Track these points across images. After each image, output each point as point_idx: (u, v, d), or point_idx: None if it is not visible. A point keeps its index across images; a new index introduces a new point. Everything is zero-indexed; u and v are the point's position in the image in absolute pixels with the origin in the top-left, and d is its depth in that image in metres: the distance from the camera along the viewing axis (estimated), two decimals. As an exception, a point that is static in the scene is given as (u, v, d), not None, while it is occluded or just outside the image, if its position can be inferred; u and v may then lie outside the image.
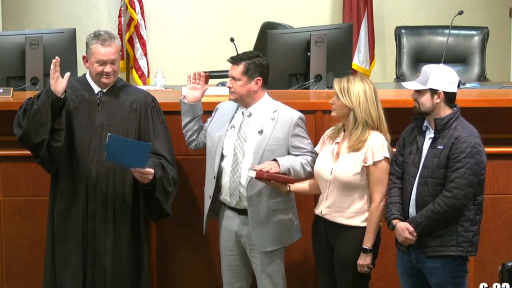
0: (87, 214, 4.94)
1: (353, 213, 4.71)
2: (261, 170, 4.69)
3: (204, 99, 5.12)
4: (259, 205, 4.83)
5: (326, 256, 4.81)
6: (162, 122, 5.06)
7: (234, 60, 4.86)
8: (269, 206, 4.84)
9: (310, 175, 4.87)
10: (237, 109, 4.92)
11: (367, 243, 4.67)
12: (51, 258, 5.02)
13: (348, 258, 4.71)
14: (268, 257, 4.90)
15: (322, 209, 4.77)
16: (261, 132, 4.83)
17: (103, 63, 4.91)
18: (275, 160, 4.77)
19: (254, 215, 4.85)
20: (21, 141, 4.95)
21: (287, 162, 4.78)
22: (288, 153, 4.84)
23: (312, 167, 4.83)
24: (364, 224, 4.70)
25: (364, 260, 4.68)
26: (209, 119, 5.03)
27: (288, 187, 4.81)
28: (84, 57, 5.00)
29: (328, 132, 4.86)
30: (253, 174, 4.70)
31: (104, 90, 4.98)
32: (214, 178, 4.89)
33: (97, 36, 4.93)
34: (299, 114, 4.88)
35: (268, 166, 4.73)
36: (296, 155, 4.83)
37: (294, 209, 4.95)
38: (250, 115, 4.88)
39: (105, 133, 4.88)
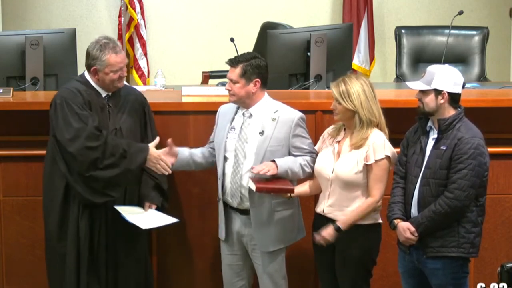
0: (107, 229, 4.93)
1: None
2: (260, 185, 4.66)
3: (204, 99, 5.13)
4: (261, 205, 4.83)
5: (327, 255, 4.81)
6: (153, 120, 5.08)
7: (232, 63, 4.85)
8: (271, 206, 4.84)
9: (309, 176, 4.87)
10: (238, 110, 4.92)
11: (343, 225, 4.65)
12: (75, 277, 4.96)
13: (350, 256, 4.71)
14: (270, 257, 4.90)
15: (324, 207, 4.77)
16: (262, 133, 4.83)
17: (119, 69, 4.85)
18: (273, 161, 4.77)
19: (256, 216, 4.85)
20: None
21: (286, 164, 4.78)
22: (289, 153, 4.84)
23: (312, 168, 4.83)
24: (366, 222, 4.70)
25: (327, 234, 4.67)
26: (214, 127, 5.02)
27: (289, 194, 4.81)
28: (93, 70, 4.85)
29: (329, 130, 4.86)
30: (253, 187, 4.70)
31: (110, 93, 4.95)
32: (220, 179, 4.89)
33: (105, 46, 4.83)
34: (300, 114, 4.88)
35: (266, 168, 4.73)
36: (297, 156, 4.83)
37: (297, 208, 4.95)
38: (250, 116, 4.88)
39: (119, 137, 4.86)
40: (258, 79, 4.83)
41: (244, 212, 4.89)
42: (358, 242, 4.70)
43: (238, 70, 4.82)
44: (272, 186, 4.71)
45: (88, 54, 4.88)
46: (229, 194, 4.89)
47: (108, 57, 4.82)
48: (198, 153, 4.99)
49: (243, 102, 4.87)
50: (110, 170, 4.76)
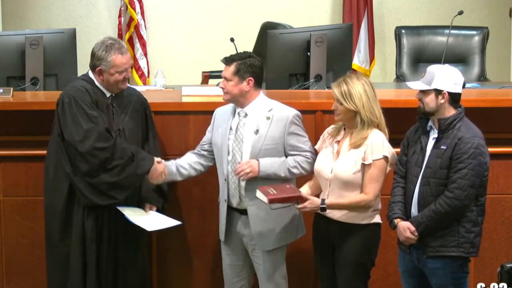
0: (110, 230, 4.94)
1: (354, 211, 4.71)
2: (271, 196, 4.63)
3: (204, 99, 5.11)
4: (259, 204, 4.83)
5: (327, 254, 4.81)
6: (154, 122, 5.09)
7: (226, 61, 4.89)
8: (269, 204, 4.84)
9: (301, 176, 4.86)
10: (235, 111, 4.93)
11: (328, 206, 4.65)
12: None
13: (350, 256, 4.71)
14: (270, 256, 4.90)
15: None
16: (257, 131, 4.83)
17: (124, 70, 4.86)
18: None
19: (254, 215, 4.85)
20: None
21: (270, 168, 4.78)
22: (285, 152, 4.84)
23: (304, 168, 4.82)
24: (365, 222, 4.71)
25: (310, 204, 4.66)
26: (209, 128, 5.03)
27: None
28: (98, 70, 4.85)
29: (329, 129, 4.86)
30: (264, 199, 4.66)
31: (113, 94, 4.94)
32: (225, 180, 4.89)
33: (110, 46, 4.82)
34: (295, 112, 4.88)
35: (247, 168, 4.75)
36: (293, 155, 4.83)
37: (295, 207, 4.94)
38: (246, 115, 4.89)
39: (122, 138, 4.86)
40: (251, 78, 4.84)
41: (244, 212, 4.89)
42: (357, 242, 4.70)
43: (232, 68, 4.84)
44: (283, 196, 4.67)
45: (93, 54, 4.87)
46: (229, 194, 4.89)
47: (113, 58, 4.82)
48: (184, 165, 5.00)
49: (237, 101, 4.88)
50: (117, 172, 4.78)
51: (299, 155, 4.83)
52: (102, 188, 4.80)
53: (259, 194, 4.70)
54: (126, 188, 4.86)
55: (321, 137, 4.89)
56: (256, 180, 4.79)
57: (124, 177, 4.79)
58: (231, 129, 4.89)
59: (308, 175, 4.91)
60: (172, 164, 4.98)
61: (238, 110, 4.91)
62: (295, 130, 4.84)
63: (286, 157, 4.85)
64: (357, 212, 4.70)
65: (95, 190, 4.81)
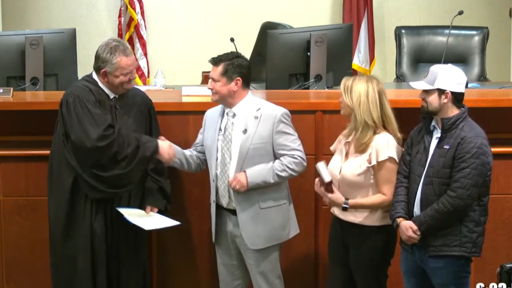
0: (113, 230, 4.95)
1: (364, 212, 4.72)
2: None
3: (204, 99, 5.10)
4: (247, 203, 4.84)
5: (340, 253, 4.82)
6: (157, 122, 5.09)
7: (214, 62, 4.88)
8: (258, 204, 4.85)
9: (291, 177, 4.87)
10: (224, 111, 4.93)
11: (350, 205, 4.66)
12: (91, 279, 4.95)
13: (363, 257, 4.73)
14: (262, 256, 4.90)
15: (334, 208, 4.79)
16: (245, 131, 4.84)
17: (130, 72, 4.86)
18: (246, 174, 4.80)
19: (242, 214, 4.86)
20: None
21: (258, 177, 4.78)
22: (274, 151, 4.84)
23: (292, 169, 4.81)
24: (377, 224, 4.72)
25: (335, 197, 4.67)
26: (201, 130, 5.04)
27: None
28: (103, 72, 4.84)
29: (344, 131, 4.87)
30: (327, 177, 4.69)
31: (117, 96, 4.94)
32: (214, 181, 4.90)
33: (115, 48, 4.82)
34: (283, 110, 4.87)
35: (236, 185, 4.77)
36: (282, 154, 4.82)
37: (287, 206, 4.93)
38: (234, 115, 4.89)
39: None
40: (239, 78, 4.84)
41: (234, 212, 4.89)
42: (369, 243, 4.71)
43: (219, 68, 4.84)
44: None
45: (98, 56, 4.86)
46: (219, 195, 4.90)
47: (119, 59, 4.82)
48: (188, 153, 5.03)
49: (225, 101, 4.88)
50: (127, 162, 4.79)
51: (286, 155, 4.83)
52: (114, 180, 4.80)
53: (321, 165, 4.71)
54: (136, 175, 4.86)
55: (337, 139, 4.89)
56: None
57: (134, 165, 4.81)
58: (220, 129, 4.89)
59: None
60: (177, 147, 5.00)
61: (226, 110, 4.91)
62: (283, 128, 4.84)
63: (275, 156, 4.85)
64: (372, 214, 4.71)
65: (105, 181, 4.81)
